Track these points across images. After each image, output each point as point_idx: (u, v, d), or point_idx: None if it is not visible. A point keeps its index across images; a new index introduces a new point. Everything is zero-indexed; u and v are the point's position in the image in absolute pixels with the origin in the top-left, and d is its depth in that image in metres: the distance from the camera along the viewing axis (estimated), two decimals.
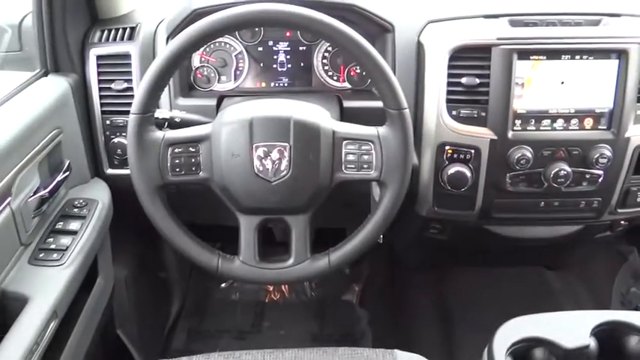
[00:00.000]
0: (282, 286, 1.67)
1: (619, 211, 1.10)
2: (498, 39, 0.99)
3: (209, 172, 0.85)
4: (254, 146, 0.82)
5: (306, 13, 0.79)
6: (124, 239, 1.17)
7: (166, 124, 0.95)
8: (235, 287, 1.68)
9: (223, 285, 1.69)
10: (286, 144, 0.83)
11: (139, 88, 0.81)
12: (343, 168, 0.85)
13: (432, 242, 1.27)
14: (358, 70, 1.16)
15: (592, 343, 0.83)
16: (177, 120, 0.95)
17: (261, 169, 0.83)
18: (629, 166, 1.05)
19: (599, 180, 1.05)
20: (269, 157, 0.83)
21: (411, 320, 1.43)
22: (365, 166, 0.84)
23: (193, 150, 0.84)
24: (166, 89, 1.08)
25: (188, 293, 1.62)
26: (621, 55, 0.99)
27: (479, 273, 1.47)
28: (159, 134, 0.84)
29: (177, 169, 0.84)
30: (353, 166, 0.85)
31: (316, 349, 0.93)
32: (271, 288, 1.67)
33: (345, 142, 0.85)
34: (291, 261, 0.87)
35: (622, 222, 1.17)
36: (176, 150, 0.84)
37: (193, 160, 0.84)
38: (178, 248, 0.87)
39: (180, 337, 1.51)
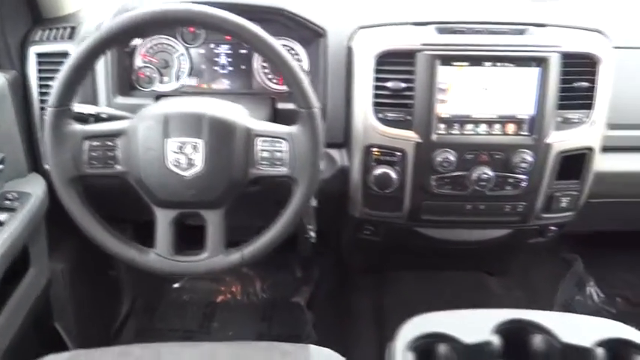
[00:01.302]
0: (233, 287, 1.69)
1: (544, 216, 1.13)
2: (422, 45, 1.02)
3: (126, 166, 0.87)
4: (168, 141, 0.85)
5: (218, 13, 0.82)
6: (63, 233, 1.19)
7: (93, 120, 0.97)
8: (187, 288, 1.69)
9: (176, 285, 1.70)
10: (200, 140, 0.85)
11: (55, 81, 0.83)
12: (257, 164, 0.87)
13: (371, 245, 1.30)
14: None
15: (495, 340, 0.85)
16: (103, 116, 0.98)
17: (175, 163, 0.85)
18: (551, 171, 1.07)
19: (523, 184, 1.07)
20: (183, 152, 0.85)
21: (353, 322, 1.45)
22: (277, 162, 0.87)
23: (111, 144, 0.86)
24: (104, 87, 1.11)
25: (139, 293, 1.63)
26: (541, 63, 1.02)
27: (421, 277, 1.49)
28: (77, 127, 0.86)
29: (94, 162, 0.86)
30: (266, 162, 0.87)
31: (235, 343, 0.94)
32: (222, 288, 1.69)
33: (259, 140, 0.87)
34: (205, 254, 0.89)
35: (551, 227, 1.20)
36: (94, 143, 0.86)
37: (110, 154, 0.86)
38: (95, 240, 0.89)
39: (127, 336, 1.52)
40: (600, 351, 0.83)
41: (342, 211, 1.19)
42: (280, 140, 0.87)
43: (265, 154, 0.87)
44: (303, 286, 1.69)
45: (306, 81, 0.85)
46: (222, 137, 0.86)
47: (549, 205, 1.11)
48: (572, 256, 1.62)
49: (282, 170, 0.87)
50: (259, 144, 0.87)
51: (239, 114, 0.89)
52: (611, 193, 1.17)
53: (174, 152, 0.85)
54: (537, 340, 0.85)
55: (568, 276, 1.58)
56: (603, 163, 1.12)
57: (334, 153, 1.13)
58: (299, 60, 1.15)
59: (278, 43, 0.84)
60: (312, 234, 1.14)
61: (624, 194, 1.18)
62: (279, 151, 0.87)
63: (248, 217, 1.11)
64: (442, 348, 0.84)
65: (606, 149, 1.12)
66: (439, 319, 0.87)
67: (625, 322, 0.85)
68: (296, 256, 1.74)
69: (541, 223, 1.15)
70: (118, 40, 0.85)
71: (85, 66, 0.83)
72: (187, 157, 0.85)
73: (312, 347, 0.93)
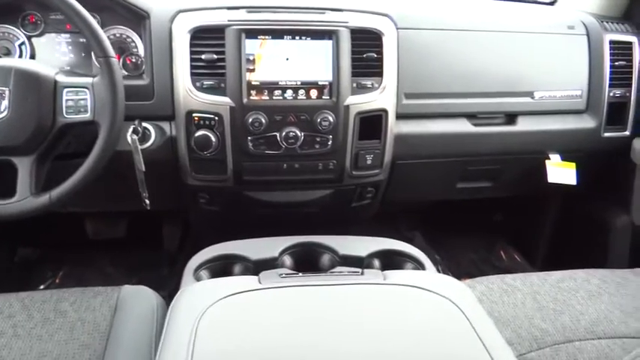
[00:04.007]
0: None
1: (354, 173, 1.27)
2: (230, 21, 1.17)
3: None
4: None
5: None
6: None
7: None
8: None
9: (42, 287, 1.69)
10: (5, 88, 0.93)
11: None
12: (64, 113, 0.97)
13: (214, 217, 1.39)
14: (133, 60, 1.29)
15: (286, 259, 0.96)
16: None
17: None
18: (353, 131, 1.23)
19: (329, 143, 1.22)
20: None
21: None
22: (82, 109, 0.96)
23: None
24: None
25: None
26: (333, 36, 1.19)
27: None
28: None
29: None
30: (72, 110, 0.97)
31: (49, 291, 0.99)
32: None
33: (65, 90, 0.97)
34: (14, 198, 0.95)
35: (369, 188, 1.35)
36: None
37: None
38: None
39: None
40: (375, 260, 0.95)
41: (179, 181, 1.28)
42: (84, 89, 0.97)
43: (70, 103, 0.96)
44: (168, 282, 1.73)
45: (100, 32, 0.96)
46: (28, 87, 0.94)
47: (356, 162, 1.26)
48: (412, 233, 1.78)
49: (86, 116, 0.96)
50: (65, 95, 0.97)
51: (47, 69, 0.98)
52: (414, 153, 1.34)
53: None
54: (322, 256, 0.97)
55: None
56: (403, 127, 1.30)
57: (164, 125, 1.23)
58: (135, 47, 1.26)
59: (75, 1, 0.95)
60: (147, 201, 1.21)
61: (425, 154, 1.36)
62: (83, 99, 0.96)
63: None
64: (238, 268, 0.94)
65: (406, 116, 1.30)
66: (234, 245, 0.97)
67: None
68: (162, 254, 1.79)
69: (355, 182, 1.30)
70: None
71: None
72: None
73: (126, 286, 1.00)
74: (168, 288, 1.39)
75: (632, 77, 1.40)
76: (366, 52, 1.21)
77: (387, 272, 0.76)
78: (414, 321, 0.64)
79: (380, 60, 1.22)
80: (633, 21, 1.43)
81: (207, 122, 1.18)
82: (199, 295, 0.73)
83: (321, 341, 0.61)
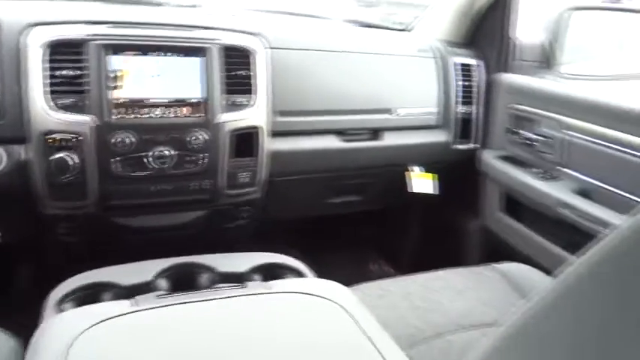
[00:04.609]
0: None
1: (229, 192, 1.26)
2: (90, 35, 1.10)
3: None
4: None
5: None
6: None
7: None
8: None
9: None
10: None
11: None
12: None
13: (76, 249, 1.28)
14: None
15: (162, 282, 0.91)
16: None
17: None
18: (227, 149, 1.21)
19: (202, 162, 1.19)
20: None
21: None
22: None
23: None
24: None
25: None
26: (203, 53, 1.17)
27: None
28: None
29: None
30: None
31: None
32: None
33: None
34: None
35: (245, 208, 1.34)
36: None
37: None
38: None
39: None
40: (256, 275, 0.94)
41: (34, 210, 1.16)
42: None
43: None
44: (25, 322, 1.55)
45: None
46: None
47: (231, 181, 1.25)
48: (290, 251, 1.79)
49: None
50: None
51: None
52: (290, 170, 1.36)
53: None
54: (200, 276, 0.93)
55: None
56: (278, 144, 1.31)
57: (16, 147, 1.11)
58: None
59: None
60: None
61: (299, 171, 1.39)
62: None
63: None
64: (107, 296, 0.86)
65: (281, 133, 1.32)
66: (103, 272, 0.90)
67: None
68: (15, 291, 1.60)
69: (230, 200, 1.28)
70: None
71: None
72: None
73: None
74: (24, 330, 1.24)
75: (475, 96, 1.57)
76: (236, 69, 1.22)
77: (271, 282, 0.76)
78: (303, 326, 0.64)
79: (252, 78, 1.23)
80: (476, 46, 1.62)
81: (65, 143, 1.08)
82: (64, 327, 0.66)
83: (209, 357, 0.59)
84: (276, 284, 0.75)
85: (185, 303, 0.68)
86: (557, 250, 1.30)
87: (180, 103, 1.17)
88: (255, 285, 0.75)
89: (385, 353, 0.60)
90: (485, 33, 1.59)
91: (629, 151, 1.14)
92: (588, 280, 0.38)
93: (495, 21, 1.56)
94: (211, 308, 0.67)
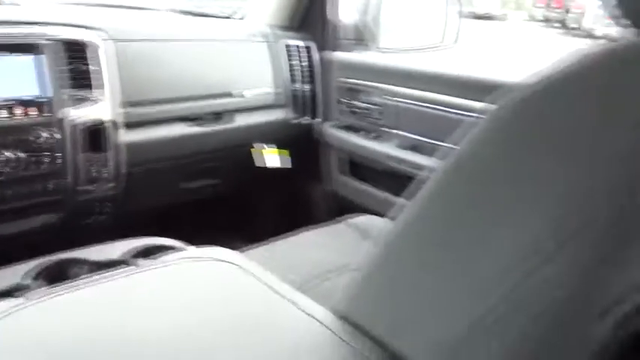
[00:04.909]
0: None
1: (83, 189, 1.23)
2: None
3: None
4: None
5: None
6: None
7: None
8: None
9: None
10: None
11: None
12: None
13: None
14: None
15: (34, 283, 0.87)
16: None
17: None
18: (76, 145, 1.19)
19: (50, 161, 1.15)
20: None
21: None
22: None
23: None
24: None
25: None
26: (34, 50, 1.13)
27: None
28: None
29: None
30: None
31: None
32: None
33: None
34: None
35: (105, 202, 1.31)
36: None
37: None
38: None
39: None
40: (134, 259, 0.94)
41: None
42: None
43: None
44: None
45: None
46: None
47: (85, 177, 1.22)
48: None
49: None
50: None
51: None
52: (146, 160, 1.37)
53: None
54: (74, 271, 0.91)
55: None
56: (132, 135, 1.31)
57: None
58: None
59: None
60: None
61: (155, 159, 1.40)
62: None
63: None
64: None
65: (134, 124, 1.31)
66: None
67: None
68: None
69: (86, 197, 1.25)
70: None
71: None
72: None
73: None
74: None
75: (312, 74, 1.71)
76: (77, 64, 1.18)
77: (159, 258, 0.77)
78: (207, 290, 0.66)
79: (95, 72, 1.21)
80: (306, 28, 1.75)
81: None
82: None
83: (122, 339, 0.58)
84: (163, 259, 0.77)
85: (73, 291, 0.67)
86: (398, 199, 1.51)
87: (13, 102, 1.11)
88: (141, 263, 0.77)
89: (290, 297, 0.65)
90: (314, 16, 1.73)
91: (440, 107, 1.37)
92: (420, 218, 0.57)
93: (321, 5, 1.72)
94: (106, 291, 0.67)
